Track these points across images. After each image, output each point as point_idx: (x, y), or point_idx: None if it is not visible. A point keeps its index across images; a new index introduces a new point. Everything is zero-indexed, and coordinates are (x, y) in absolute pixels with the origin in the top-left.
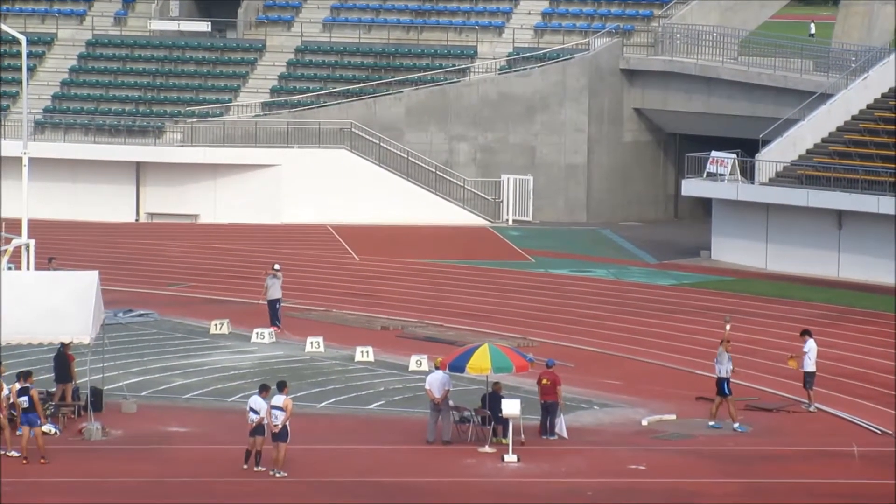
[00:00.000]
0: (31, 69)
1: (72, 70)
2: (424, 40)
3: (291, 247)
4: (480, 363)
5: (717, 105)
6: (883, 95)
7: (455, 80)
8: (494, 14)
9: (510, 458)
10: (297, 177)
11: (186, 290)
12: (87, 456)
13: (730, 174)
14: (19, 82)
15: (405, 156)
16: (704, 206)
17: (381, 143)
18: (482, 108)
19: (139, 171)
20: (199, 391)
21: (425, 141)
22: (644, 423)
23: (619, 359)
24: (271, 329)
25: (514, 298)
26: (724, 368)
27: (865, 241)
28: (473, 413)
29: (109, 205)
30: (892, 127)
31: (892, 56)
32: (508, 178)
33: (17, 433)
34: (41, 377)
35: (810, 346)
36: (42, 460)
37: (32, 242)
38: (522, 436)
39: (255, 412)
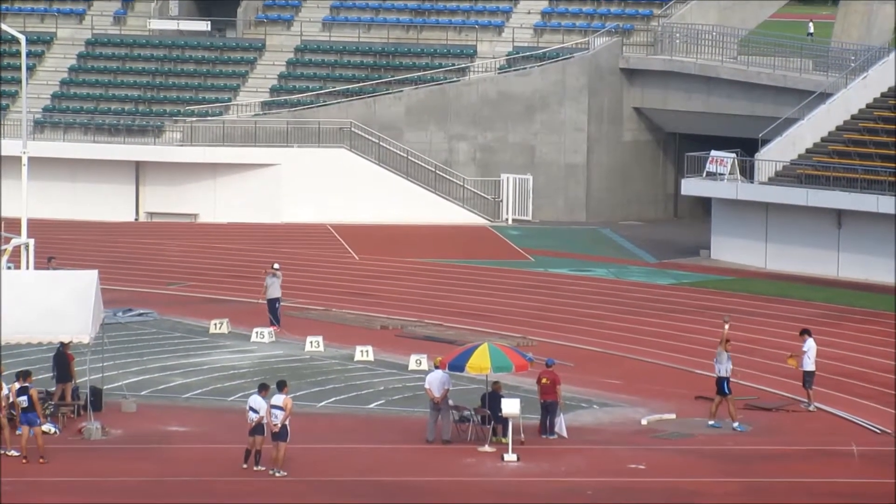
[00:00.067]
0: (30, 68)
1: (71, 69)
2: (424, 40)
3: (291, 246)
4: (480, 362)
5: (716, 104)
6: (882, 95)
7: (455, 79)
8: (494, 13)
9: (510, 457)
10: (297, 176)
11: (186, 289)
12: (87, 455)
13: (729, 173)
14: (19, 81)
15: (405, 155)
16: (704, 205)
17: (381, 143)
18: (482, 107)
19: (139, 170)
20: (199, 390)
21: (425, 140)
22: (644, 422)
23: (618, 358)
24: (271, 328)
25: (514, 298)
26: (724, 368)
27: (865, 241)
28: (473, 412)
29: (109, 204)
30: (892, 126)
31: (892, 55)
32: (508, 178)
33: (17, 433)
34: (40, 376)
35: (810, 345)
36: (41, 460)
37: (32, 242)
38: (522, 435)
39: (255, 411)
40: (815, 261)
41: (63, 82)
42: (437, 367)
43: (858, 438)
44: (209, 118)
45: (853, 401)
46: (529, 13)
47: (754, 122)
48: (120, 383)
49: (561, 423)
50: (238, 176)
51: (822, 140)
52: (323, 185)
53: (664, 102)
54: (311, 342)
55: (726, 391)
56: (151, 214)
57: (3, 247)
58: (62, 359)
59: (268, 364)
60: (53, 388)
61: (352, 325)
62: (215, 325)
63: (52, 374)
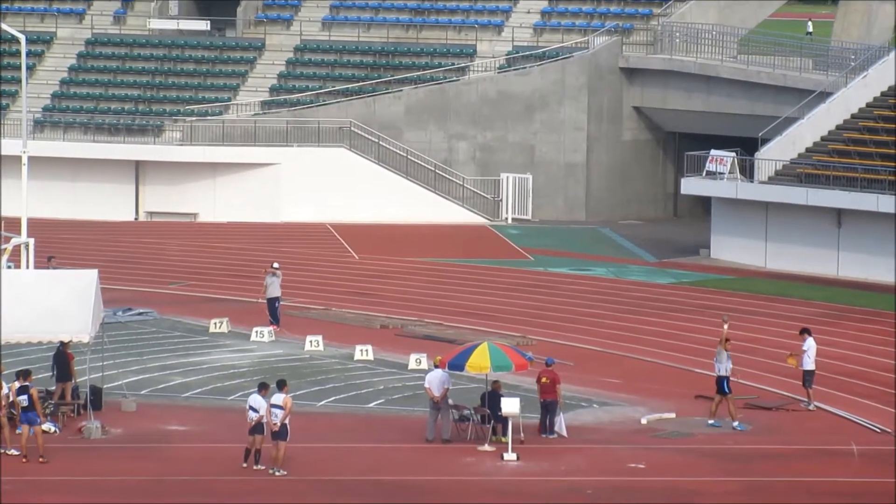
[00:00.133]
0: (30, 68)
1: (71, 69)
2: (424, 39)
3: (291, 245)
4: (480, 361)
5: (716, 103)
6: (882, 94)
7: (454, 78)
8: (494, 13)
9: (509, 456)
10: (297, 175)
11: (186, 288)
12: (87, 454)
13: (729, 173)
14: (19, 81)
15: (404, 154)
16: (704, 204)
17: (381, 142)
18: (481, 106)
19: (138, 169)
20: (199, 390)
21: (424, 140)
22: (643, 421)
23: (618, 357)
24: (270, 328)
25: (514, 297)
26: (724, 367)
27: (865, 240)
28: (473, 411)
29: (109, 204)
30: (892, 125)
31: (892, 54)
32: (508, 177)
33: (17, 432)
34: (40, 376)
35: (809, 344)
36: (41, 459)
37: (32, 241)
38: (522, 434)
39: (255, 410)
40: (814, 260)
41: (63, 82)
42: (436, 367)
43: (858, 438)
44: (209, 118)
45: (853, 400)
46: (529, 12)
47: (754, 121)
48: (120, 382)
49: (561, 423)
50: (238, 175)
51: (822, 139)
52: (323, 184)
53: (664, 102)
54: (311, 341)
55: (726, 390)
56: (151, 214)
57: (3, 246)
58: (62, 358)
59: (267, 363)
60: (53, 388)
61: (351, 324)
62: (215, 324)
63: (51, 374)
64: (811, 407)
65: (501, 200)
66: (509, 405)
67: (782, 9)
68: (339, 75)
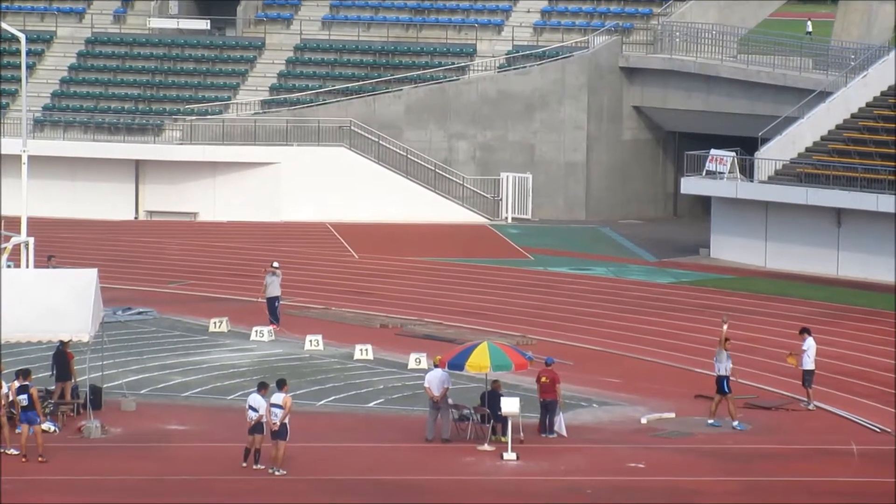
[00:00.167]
0: (30, 67)
1: (71, 68)
2: (423, 38)
3: (290, 245)
4: (479, 361)
5: (716, 103)
6: (882, 93)
7: (454, 78)
8: (494, 12)
9: (509, 456)
10: (297, 175)
11: (185, 287)
12: (87, 454)
13: (729, 172)
14: (19, 80)
15: (404, 154)
16: (703, 204)
17: (381, 141)
18: (481, 106)
19: (138, 169)
20: (199, 389)
21: (424, 139)
22: (643, 421)
23: (618, 357)
24: (270, 327)
25: (514, 296)
26: (724, 367)
27: (864, 239)
28: (472, 411)
29: (109, 203)
30: (892, 125)
31: (892, 54)
32: (508, 176)
33: (17, 431)
34: (40, 375)
35: (809, 344)
36: (40, 458)
37: (32, 240)
38: (521, 434)
39: (254, 410)
40: (814, 259)
41: (63, 81)
42: (436, 366)
43: (858, 437)
44: (209, 117)
45: (853, 399)
46: (529, 12)
47: (754, 120)
48: (119, 382)
49: (560, 422)
50: (238, 174)
51: (822, 139)
52: (322, 183)
53: (664, 101)
54: (311, 341)
55: (726, 390)
56: (151, 213)
57: (3, 245)
58: (62, 357)
59: (267, 363)
60: (53, 387)
61: (351, 323)
62: (215, 323)
63: (51, 373)
64: (811, 406)
65: (501, 200)
66: (509, 405)
67: (782, 8)
68: (339, 74)
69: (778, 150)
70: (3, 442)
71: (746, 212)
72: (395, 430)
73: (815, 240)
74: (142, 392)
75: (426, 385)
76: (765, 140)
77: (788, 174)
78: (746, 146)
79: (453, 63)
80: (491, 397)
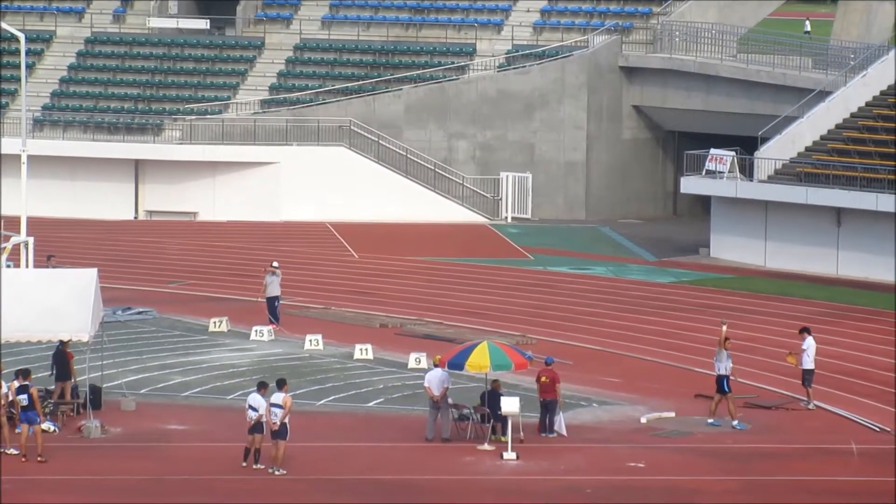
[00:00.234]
0: (29, 67)
1: (70, 67)
2: (423, 38)
3: (290, 244)
4: (479, 361)
5: (715, 102)
6: (882, 93)
7: (454, 77)
8: (493, 11)
9: (509, 455)
10: (296, 174)
11: (185, 287)
12: (86, 454)
13: (729, 171)
14: (18, 80)
15: (404, 153)
16: (703, 203)
17: (380, 141)
18: (481, 105)
19: (138, 168)
20: (198, 389)
21: (424, 138)
22: (643, 420)
23: (618, 356)
24: (270, 327)
25: (513, 296)
26: (724, 366)
27: (864, 239)
28: (472, 411)
29: (108, 202)
30: (892, 124)
31: (891, 53)
32: (507, 176)
33: (16, 431)
34: (40, 375)
35: (809, 343)
36: (39, 458)
37: (31, 240)
38: (521, 433)
39: (254, 409)
40: (814, 259)
41: (62, 80)
42: (436, 366)
43: (858, 436)
44: (208, 116)
45: (853, 399)
46: (529, 11)
47: (754, 120)
48: (119, 381)
49: (560, 422)
50: (237, 174)
51: (822, 138)
52: (322, 183)
53: (663, 100)
54: (311, 340)
55: (726, 389)
56: (151, 213)
57: (3, 245)
58: (61, 357)
59: (267, 362)
60: (53, 387)
61: (351, 323)
62: (214, 323)
63: (51, 373)
64: (811, 406)
65: (501, 199)
66: (509, 404)
67: (780, 8)
68: (338, 74)
69: (777, 150)
70: (3, 442)
71: (746, 211)
72: (395, 429)
73: (815, 239)
74: (141, 392)
75: (426, 385)
76: (764, 139)
77: (788, 174)
78: (746, 146)
79: (453, 63)
80: (491, 397)
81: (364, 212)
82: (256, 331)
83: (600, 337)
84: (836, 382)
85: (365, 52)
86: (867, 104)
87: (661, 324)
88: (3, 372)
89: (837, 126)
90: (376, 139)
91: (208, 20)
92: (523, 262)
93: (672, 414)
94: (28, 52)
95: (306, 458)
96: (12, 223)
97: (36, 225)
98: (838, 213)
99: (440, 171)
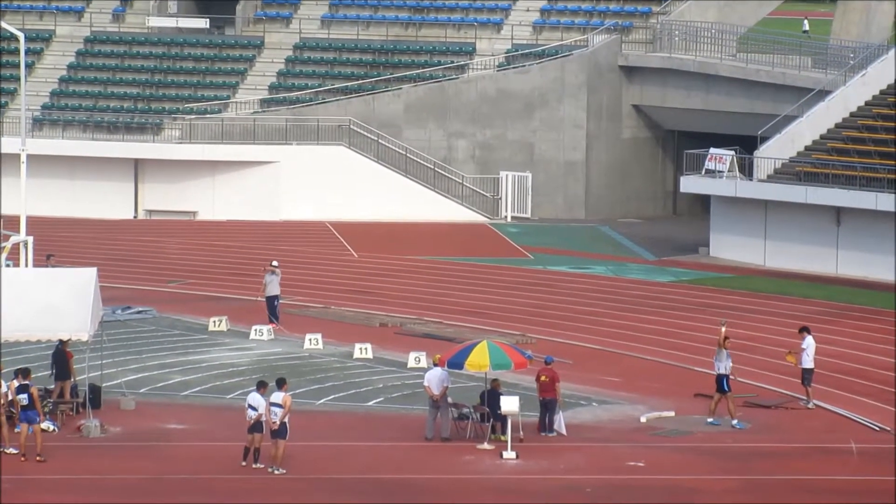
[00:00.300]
0: (29, 66)
1: (70, 67)
2: (423, 37)
3: (290, 244)
4: (479, 360)
5: (715, 102)
6: (881, 92)
7: (453, 76)
8: (493, 11)
9: (509, 454)
10: (296, 173)
11: (185, 286)
12: (86, 453)
13: (728, 171)
14: (17, 79)
15: (404, 152)
16: (703, 202)
17: (380, 140)
18: (481, 104)
19: (137, 167)
20: (198, 388)
21: (424, 138)
22: (643, 419)
23: (617, 355)
24: (270, 326)
25: (513, 295)
26: (724, 365)
27: (864, 238)
28: (472, 410)
29: (108, 202)
30: (891, 124)
31: (891, 52)
32: (507, 175)
33: (16, 430)
34: (39, 374)
35: (808, 342)
36: (38, 458)
37: (31, 239)
38: (521, 432)
39: (254, 409)
40: (814, 258)
41: (62, 80)
42: (436, 365)
43: (857, 436)
44: (208, 116)
45: (852, 398)
46: (528, 10)
47: (753, 119)
48: (119, 381)
49: (560, 421)
50: (237, 173)
51: (821, 137)
52: (322, 182)
53: (663, 100)
54: (310, 340)
55: (726, 388)
56: (150, 212)
57: (3, 244)
58: (61, 356)
59: (267, 362)
60: (52, 386)
61: (351, 322)
62: (214, 322)
63: (50, 372)
64: (810, 405)
65: (501, 199)
66: (508, 403)
67: (779, 7)
68: (338, 73)
69: (777, 149)
70: (3, 441)
71: (746, 210)
72: (395, 428)
73: (815, 238)
74: (141, 391)
75: (426, 384)
76: (764, 139)
77: (788, 173)
78: (745, 145)
79: (452, 62)
80: (490, 396)
81: (364, 211)
82: (256, 330)
83: (600, 336)
84: (835, 381)
85: (364, 51)
86: (867, 103)
87: (661, 323)
88: (3, 371)
89: (837, 125)
90: (376, 138)
91: (208, 19)
92: (523, 262)
93: (672, 413)
94: (27, 52)
95: (306, 458)
96: (12, 222)
97: (35, 224)
98: (838, 213)
99: (440, 171)
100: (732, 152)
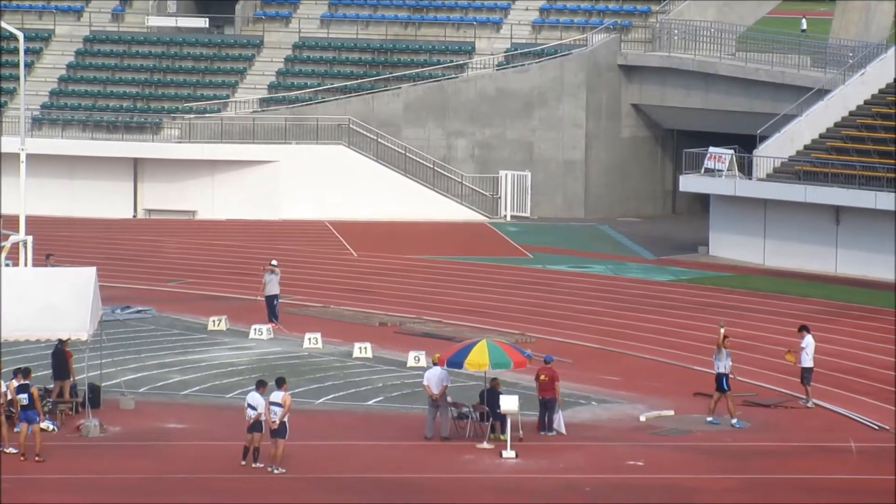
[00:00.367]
0: (28, 65)
1: (69, 66)
2: (422, 36)
3: (289, 243)
4: (478, 359)
5: (714, 101)
6: (880, 91)
7: (453, 75)
8: (492, 10)
9: (508, 454)
10: (295, 173)
11: (184, 286)
12: (85, 453)
13: (727, 170)
14: (17, 78)
15: (403, 152)
16: (702, 201)
17: (379, 139)
18: (480, 103)
19: (137, 167)
20: (197, 387)
21: (423, 137)
22: (642, 418)
23: (617, 355)
24: (269, 325)
25: (512, 294)
26: (723, 364)
27: (863, 237)
28: (472, 409)
29: (107, 201)
30: (890, 123)
31: (890, 52)
32: (506, 174)
33: (15, 430)
34: (39, 374)
35: (808, 341)
36: (37, 458)
37: (30, 239)
38: (520, 432)
39: (253, 408)
40: (813, 257)
41: (61, 79)
42: (435, 364)
43: (857, 435)
44: (207, 115)
45: (851, 397)
46: (527, 10)
47: (752, 118)
48: (118, 380)
49: (559, 420)
50: (236, 173)
51: (821, 136)
52: (321, 181)
53: (662, 99)
54: (310, 339)
55: (725, 388)
56: (150, 211)
57: (2, 244)
58: (60, 356)
59: (266, 361)
60: (52, 386)
61: (350, 321)
62: (213, 321)
63: (50, 372)
64: (809, 404)
65: (500, 198)
66: (508, 402)
67: (778, 6)
68: (337, 72)
69: (776, 148)
70: (2, 441)
71: (745, 209)
72: (394, 428)
73: (814, 237)
74: (140, 390)
75: (425, 383)
76: (763, 138)
77: (787, 172)
78: (745, 144)
79: (452, 61)
80: (490, 395)
81: (363, 210)
82: (255, 329)
83: (599, 335)
84: (834, 380)
85: (364, 50)
86: (866, 102)
87: (660, 322)
88: (2, 371)
89: (836, 124)
90: (375, 138)
91: (207, 19)
92: (522, 261)
93: (671, 412)
94: (27, 51)
95: (305, 457)
96: (11, 222)
97: (35, 224)
98: (837, 212)
99: (439, 170)
100: (732, 151)
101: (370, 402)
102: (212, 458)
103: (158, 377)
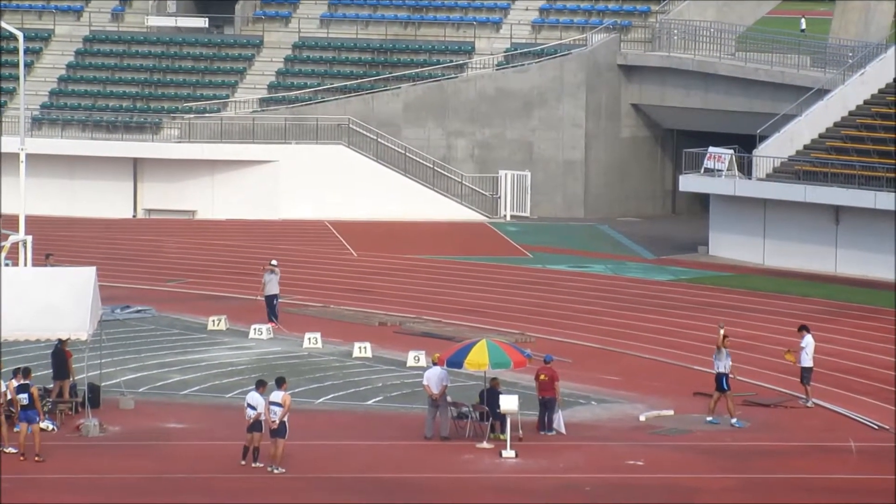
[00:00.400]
0: (28, 65)
1: (69, 66)
2: (422, 36)
3: (289, 243)
4: (478, 359)
5: (714, 101)
6: (880, 91)
7: (452, 75)
8: (492, 10)
9: (508, 453)
10: (295, 173)
11: (184, 286)
12: (85, 452)
13: (727, 170)
14: (16, 78)
15: (403, 151)
16: (702, 201)
17: (379, 139)
18: (480, 103)
19: (137, 167)
20: (197, 387)
21: (423, 137)
22: (642, 418)
23: (617, 354)
24: (269, 325)
25: (512, 294)
26: (723, 364)
27: (863, 237)
28: (471, 409)
29: (107, 201)
30: (890, 122)
31: (890, 51)
32: (506, 174)
33: (15, 430)
34: (39, 373)
35: (808, 341)
36: (36, 458)
37: (30, 239)
38: (520, 431)
39: (253, 408)
40: (813, 257)
41: (61, 79)
42: (435, 364)
43: (856, 434)
44: (207, 115)
45: (851, 397)
46: (527, 10)
47: (752, 118)
48: (118, 380)
49: (559, 420)
50: (236, 172)
51: (820, 136)
52: (321, 181)
53: (662, 99)
54: (310, 339)
55: (725, 387)
56: (149, 211)
57: (2, 244)
58: (60, 356)
59: (266, 361)
60: (51, 385)
61: (350, 321)
62: (213, 321)
63: (50, 371)
64: (809, 404)
65: (500, 197)
66: (508, 402)
67: (777, 6)
68: (337, 72)
69: (776, 148)
70: (2, 440)
71: (745, 209)
72: (394, 427)
73: (814, 237)
74: (140, 390)
75: (425, 383)
76: (763, 137)
77: (786, 172)
78: (744, 144)
79: (451, 61)
80: (490, 395)
81: (363, 210)
82: (255, 329)
83: (599, 335)
84: (834, 380)
85: (364, 50)
86: (865, 102)
87: (660, 322)
88: (2, 371)
89: (836, 124)
90: (375, 137)
91: (207, 19)
92: (522, 261)
93: (671, 412)
94: (26, 51)
95: (305, 457)
96: (11, 222)
97: (34, 223)
98: (837, 211)
99: (439, 170)
100: (731, 151)
101: (370, 402)
102: (211, 457)
103: (158, 377)
